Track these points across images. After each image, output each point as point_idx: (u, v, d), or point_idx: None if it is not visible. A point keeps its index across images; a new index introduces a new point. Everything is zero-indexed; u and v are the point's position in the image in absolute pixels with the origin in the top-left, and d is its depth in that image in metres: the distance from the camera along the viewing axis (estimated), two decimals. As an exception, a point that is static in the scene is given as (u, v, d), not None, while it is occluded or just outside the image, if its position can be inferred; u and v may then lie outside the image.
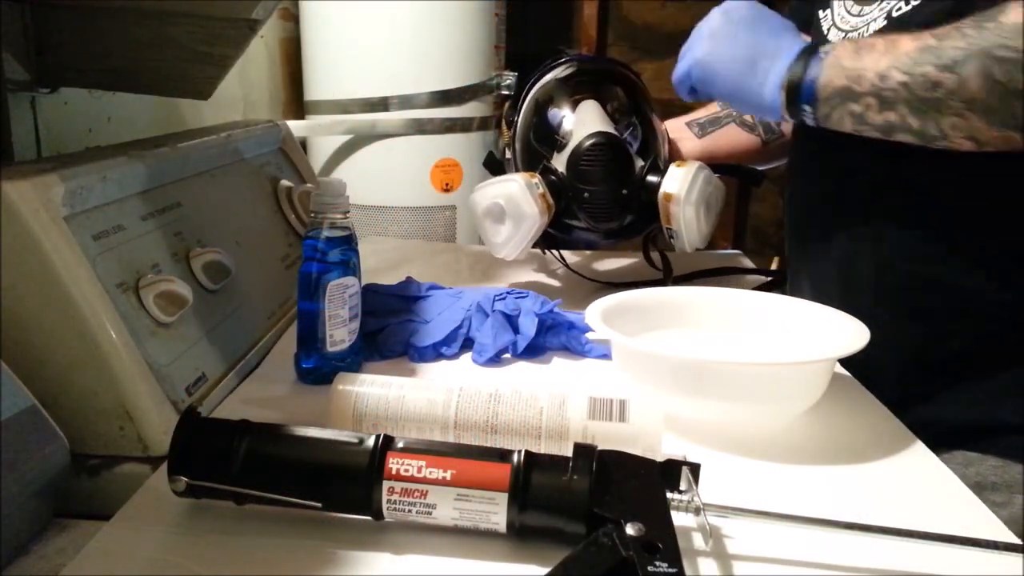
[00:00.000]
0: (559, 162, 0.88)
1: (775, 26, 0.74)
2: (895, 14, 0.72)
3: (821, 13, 0.84)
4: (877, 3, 0.75)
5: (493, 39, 1.71)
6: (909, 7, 0.71)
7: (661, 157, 0.92)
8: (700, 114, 1.05)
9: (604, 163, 0.85)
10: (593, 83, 0.94)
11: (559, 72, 0.96)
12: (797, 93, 0.69)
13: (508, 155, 1.02)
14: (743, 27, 0.74)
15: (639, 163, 0.88)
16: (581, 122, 0.88)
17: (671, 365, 0.60)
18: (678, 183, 0.84)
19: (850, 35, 0.77)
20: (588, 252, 1.17)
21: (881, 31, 0.73)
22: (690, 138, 1.02)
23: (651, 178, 0.87)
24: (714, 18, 0.76)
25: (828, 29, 0.81)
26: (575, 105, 0.90)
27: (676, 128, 1.03)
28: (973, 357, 0.72)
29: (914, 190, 0.72)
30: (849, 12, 0.79)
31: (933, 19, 0.68)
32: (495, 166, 1.03)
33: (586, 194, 0.86)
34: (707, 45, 0.75)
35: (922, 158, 0.66)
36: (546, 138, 0.92)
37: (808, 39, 0.75)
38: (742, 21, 0.74)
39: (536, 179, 0.86)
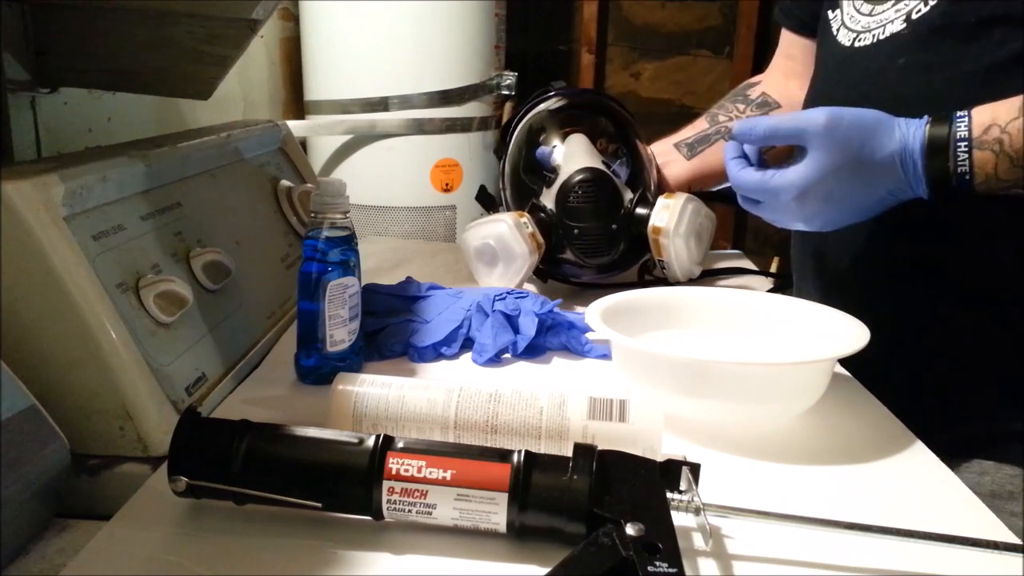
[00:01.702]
0: (548, 198, 0.88)
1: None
2: (914, 16, 0.71)
3: (831, 14, 0.83)
4: (892, 4, 0.74)
5: (493, 39, 1.71)
6: (928, 8, 0.70)
7: (650, 188, 0.92)
8: (687, 133, 1.03)
9: (593, 200, 0.85)
10: (580, 116, 0.94)
11: (547, 106, 0.96)
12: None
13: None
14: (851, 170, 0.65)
15: (628, 195, 0.87)
16: (569, 157, 0.88)
17: (671, 365, 0.60)
18: (667, 217, 0.85)
19: (862, 36, 0.76)
20: None
21: (901, 34, 0.72)
22: (679, 160, 1.01)
23: (640, 211, 0.87)
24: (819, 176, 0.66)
25: (838, 30, 0.81)
26: (563, 138, 0.90)
27: (664, 151, 1.01)
28: (990, 364, 0.71)
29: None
30: (859, 11, 0.78)
31: (954, 20, 0.67)
32: (487, 201, 1.03)
33: (576, 231, 0.86)
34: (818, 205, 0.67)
35: None
36: (535, 173, 0.91)
37: None
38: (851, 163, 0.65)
39: (525, 218, 0.86)
